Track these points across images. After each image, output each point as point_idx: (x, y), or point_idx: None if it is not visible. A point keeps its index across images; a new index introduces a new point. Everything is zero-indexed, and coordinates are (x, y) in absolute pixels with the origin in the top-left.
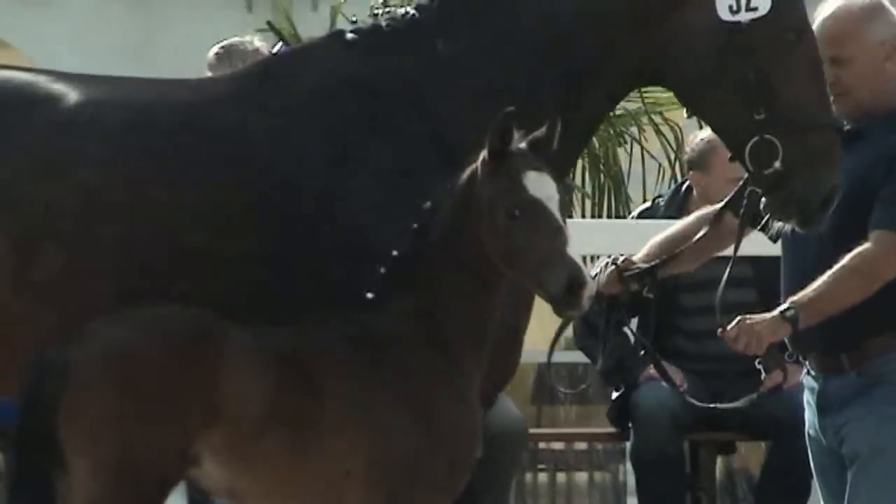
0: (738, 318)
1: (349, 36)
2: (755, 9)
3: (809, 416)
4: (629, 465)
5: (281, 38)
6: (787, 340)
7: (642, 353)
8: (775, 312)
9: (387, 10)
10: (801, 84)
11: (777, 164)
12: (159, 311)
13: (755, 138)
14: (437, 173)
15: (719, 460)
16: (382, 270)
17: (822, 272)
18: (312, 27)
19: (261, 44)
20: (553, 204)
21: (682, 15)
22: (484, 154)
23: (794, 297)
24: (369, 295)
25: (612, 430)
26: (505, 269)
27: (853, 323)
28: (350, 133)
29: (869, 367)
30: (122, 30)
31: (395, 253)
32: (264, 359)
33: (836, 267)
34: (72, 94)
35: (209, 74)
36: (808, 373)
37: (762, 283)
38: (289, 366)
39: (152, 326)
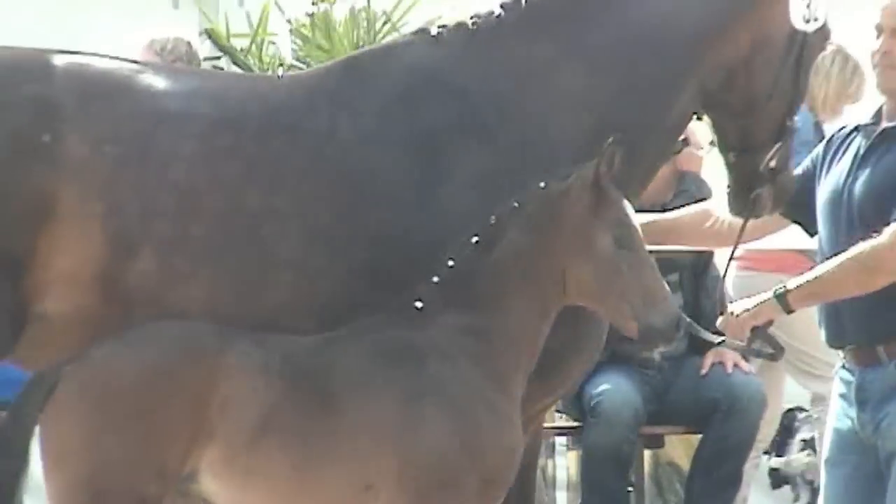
0: (727, 313)
1: (434, 33)
2: (817, 19)
3: (839, 408)
4: (559, 459)
5: (216, 43)
6: (824, 335)
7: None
8: (768, 294)
9: (323, 3)
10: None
11: (773, 163)
12: (152, 328)
13: (779, 143)
14: (528, 182)
15: (647, 455)
16: (435, 280)
17: None
18: (239, 22)
19: (192, 38)
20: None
21: (767, 20)
22: (583, 180)
23: (792, 281)
24: (418, 304)
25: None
26: (590, 299)
27: (889, 314)
28: (441, 139)
29: None
30: (46, 28)
31: (450, 263)
32: (268, 372)
33: (842, 255)
34: (159, 85)
35: None
36: (843, 366)
37: (687, 290)
38: (298, 378)
39: (140, 344)
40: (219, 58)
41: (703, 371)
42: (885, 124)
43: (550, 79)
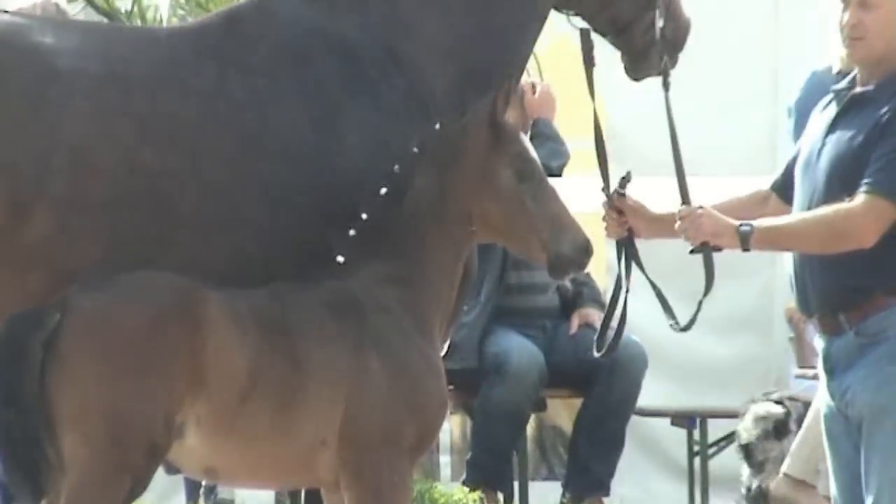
0: (698, 206)
1: None
2: None
3: (822, 380)
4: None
5: (91, 3)
6: (796, 302)
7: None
8: (734, 222)
9: None
10: None
11: (659, 23)
12: (139, 278)
13: (657, 9)
14: (416, 129)
15: (531, 418)
16: (352, 233)
17: None
18: None
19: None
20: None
21: None
22: (479, 118)
23: (759, 222)
24: (340, 259)
25: None
26: (498, 235)
27: (850, 283)
28: (331, 93)
29: (866, 325)
30: None
31: (364, 216)
32: (244, 324)
33: (812, 211)
34: (46, 41)
35: None
36: (819, 334)
37: (561, 289)
38: (268, 331)
39: (134, 293)
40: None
41: (572, 331)
42: (855, 90)
43: (416, 27)
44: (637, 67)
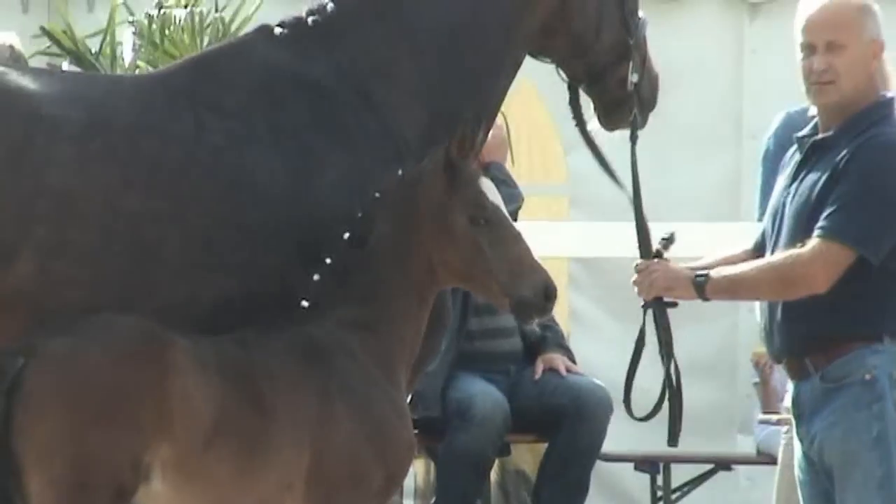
0: (655, 261)
1: (277, 31)
2: None
3: (792, 424)
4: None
5: (56, 42)
6: (765, 347)
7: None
8: (689, 273)
9: (166, 7)
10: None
11: (633, 78)
12: (103, 321)
13: (630, 61)
14: (389, 172)
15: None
16: (316, 278)
17: None
18: (88, 28)
19: (14, 41)
20: (504, 210)
21: None
22: (435, 164)
23: (715, 270)
24: (304, 304)
25: None
26: (459, 280)
27: (814, 328)
28: (304, 138)
29: (830, 370)
30: None
31: (328, 261)
32: (209, 369)
33: (767, 259)
34: (29, 88)
35: None
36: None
37: (525, 333)
38: (233, 376)
39: (98, 336)
40: (59, 55)
41: (536, 377)
42: (817, 137)
43: (388, 70)
44: (609, 119)
